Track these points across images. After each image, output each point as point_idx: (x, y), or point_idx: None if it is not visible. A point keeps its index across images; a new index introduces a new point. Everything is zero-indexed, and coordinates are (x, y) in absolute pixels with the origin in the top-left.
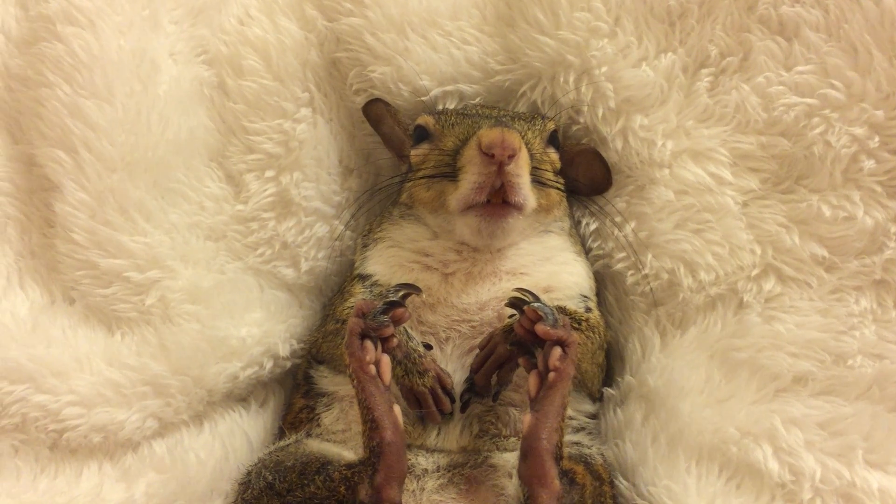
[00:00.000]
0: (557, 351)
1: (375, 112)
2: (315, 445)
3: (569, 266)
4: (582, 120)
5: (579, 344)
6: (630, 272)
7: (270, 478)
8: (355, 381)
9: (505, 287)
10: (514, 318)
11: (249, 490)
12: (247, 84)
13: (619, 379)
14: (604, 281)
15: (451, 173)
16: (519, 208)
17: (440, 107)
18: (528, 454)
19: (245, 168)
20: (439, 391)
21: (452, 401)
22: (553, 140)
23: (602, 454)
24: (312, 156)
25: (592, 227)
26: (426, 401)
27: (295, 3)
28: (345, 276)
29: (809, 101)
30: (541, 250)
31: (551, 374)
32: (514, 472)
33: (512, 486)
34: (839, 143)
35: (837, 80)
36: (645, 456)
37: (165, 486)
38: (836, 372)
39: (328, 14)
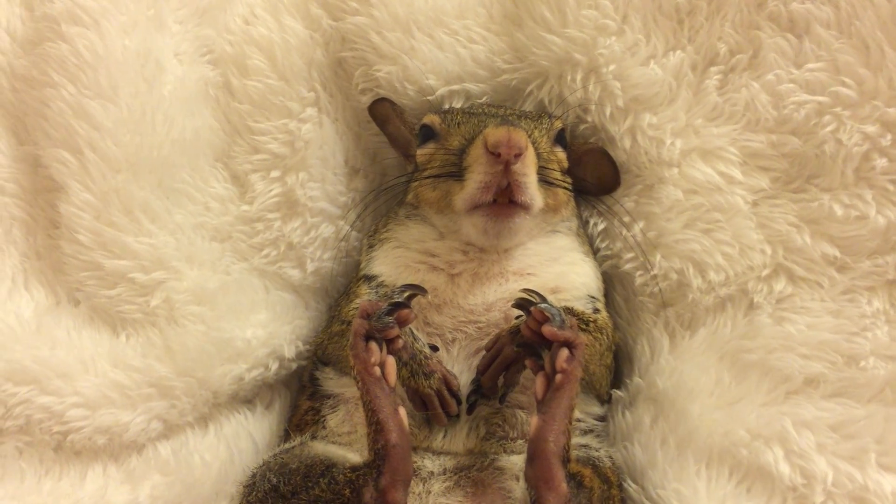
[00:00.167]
0: (565, 352)
1: (381, 111)
2: (320, 448)
3: (577, 266)
4: (590, 119)
5: (587, 345)
6: (639, 273)
7: (275, 480)
8: (360, 383)
9: (512, 288)
10: (520, 319)
11: (254, 493)
12: (252, 84)
13: (628, 381)
14: (612, 282)
15: (456, 173)
16: (526, 208)
17: (446, 106)
18: (535, 457)
19: (250, 168)
20: (445, 393)
21: (459, 403)
22: (560, 139)
23: (610, 457)
24: (318, 156)
25: (600, 227)
26: (432, 403)
27: (300, 2)
28: (351, 276)
29: (820, 98)
30: (548, 251)
31: (558, 376)
32: (522, 474)
33: (519, 488)
34: (851, 141)
35: (849, 77)
36: (654, 459)
37: (170, 488)
38: (849, 374)
39: (333, 13)
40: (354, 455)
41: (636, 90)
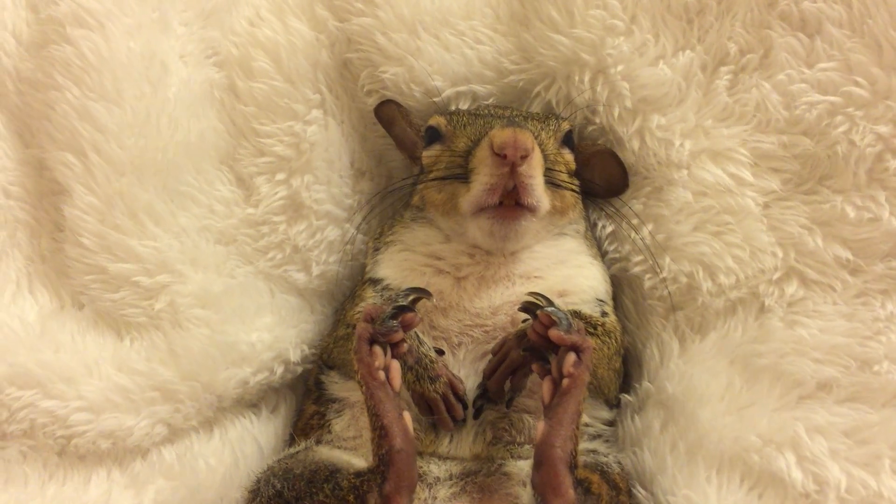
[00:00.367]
0: (572, 357)
1: (387, 113)
2: (325, 452)
3: (584, 269)
4: (598, 120)
5: (595, 349)
6: (647, 276)
7: (279, 486)
8: (364, 388)
9: (518, 291)
10: (527, 322)
11: (258, 498)
12: (257, 86)
13: (637, 385)
14: (621, 285)
15: (462, 175)
16: (532, 210)
17: (453, 107)
18: (542, 463)
19: (255, 171)
20: (451, 397)
21: (465, 407)
22: (568, 141)
23: (619, 462)
24: (324, 158)
25: (609, 229)
26: (438, 407)
27: (305, 3)
28: (357, 280)
29: (832, 98)
30: (555, 253)
31: (565, 381)
32: (529, 480)
33: (526, 494)
34: (863, 141)
35: (861, 77)
36: (663, 464)
37: (174, 493)
38: (862, 378)
39: (339, 14)
40: (359, 460)
41: (645, 91)
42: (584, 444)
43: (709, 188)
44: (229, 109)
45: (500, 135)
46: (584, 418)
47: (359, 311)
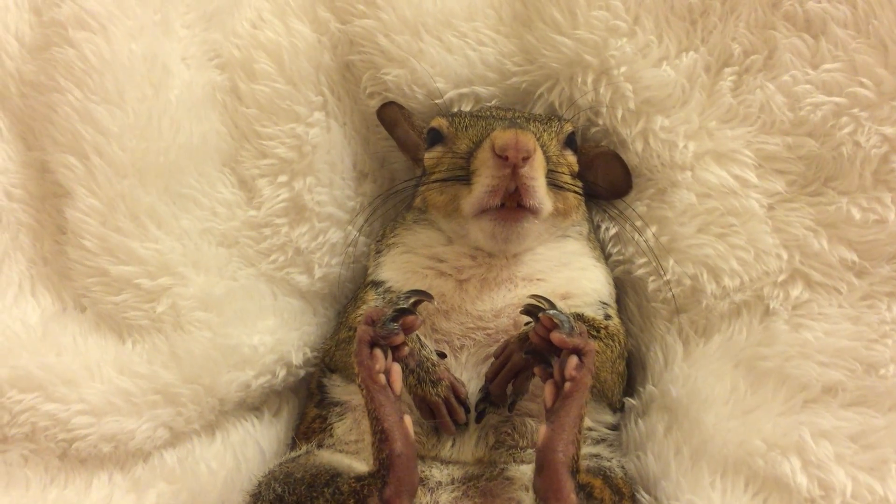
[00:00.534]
0: (574, 360)
1: (390, 115)
2: (326, 456)
3: (587, 272)
4: (601, 121)
5: (598, 352)
6: (651, 278)
7: (280, 490)
8: (364, 391)
9: (521, 294)
10: (529, 325)
11: (259, 502)
12: (259, 88)
13: (641, 388)
14: (624, 287)
15: (464, 176)
16: (534, 212)
17: (455, 109)
18: (543, 467)
19: (258, 173)
20: (453, 401)
21: (467, 411)
22: (570, 142)
23: (623, 467)
24: (326, 160)
25: (612, 231)
26: (440, 411)
27: (308, 5)
28: (359, 282)
29: (837, 99)
30: (558, 256)
31: (567, 384)
32: (531, 484)
33: (528, 499)
34: (869, 143)
35: (867, 77)
36: (667, 469)
37: (176, 496)
38: (868, 382)
39: (341, 16)
40: (360, 464)
41: (648, 92)
42: (587, 449)
43: (713, 190)
44: (231, 112)
45: (502, 136)
46: (588, 422)
47: (360, 314)
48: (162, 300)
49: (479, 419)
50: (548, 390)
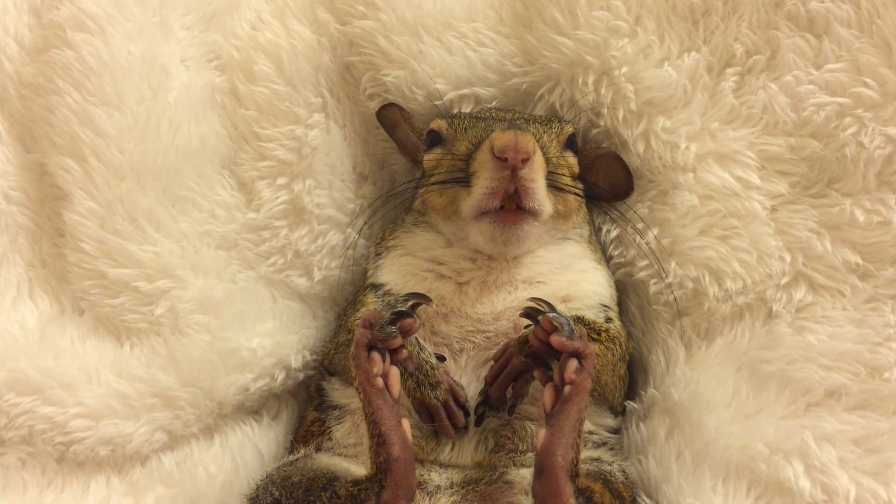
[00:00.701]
0: (573, 363)
1: (389, 117)
2: (324, 460)
3: (588, 274)
4: (602, 123)
5: (599, 355)
6: (653, 281)
7: (277, 494)
8: (362, 395)
9: (521, 296)
10: (529, 328)
11: None
12: (259, 90)
13: (643, 392)
14: (626, 290)
15: (463, 178)
16: (534, 214)
17: (455, 111)
18: (542, 471)
19: (257, 175)
20: (452, 404)
21: (466, 414)
22: (571, 144)
23: (623, 471)
24: (325, 162)
25: (613, 234)
26: (439, 414)
27: (307, 6)
28: (359, 285)
29: (841, 100)
30: (559, 258)
31: (567, 388)
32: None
33: (528, 503)
34: (873, 143)
35: (870, 77)
36: (669, 473)
37: (174, 500)
38: (872, 385)
39: (341, 17)
40: (359, 468)
41: (650, 93)
42: (588, 453)
43: (715, 192)
44: (230, 113)
45: (501, 137)
46: (589, 426)
47: (359, 317)
48: (160, 303)
49: (478, 423)
50: (547, 394)
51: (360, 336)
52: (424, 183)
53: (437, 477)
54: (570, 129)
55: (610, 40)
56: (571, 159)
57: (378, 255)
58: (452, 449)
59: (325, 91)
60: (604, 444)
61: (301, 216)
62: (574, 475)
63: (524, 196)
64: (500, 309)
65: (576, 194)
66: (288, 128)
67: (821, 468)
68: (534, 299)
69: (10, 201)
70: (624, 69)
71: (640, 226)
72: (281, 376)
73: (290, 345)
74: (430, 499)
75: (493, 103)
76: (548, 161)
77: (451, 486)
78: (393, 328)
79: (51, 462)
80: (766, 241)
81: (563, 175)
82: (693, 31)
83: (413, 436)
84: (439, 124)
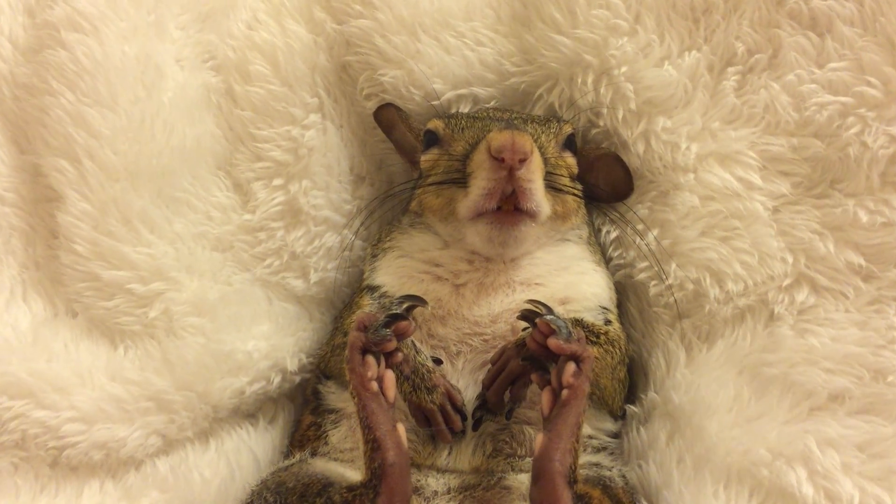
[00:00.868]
0: (571, 367)
1: (387, 117)
2: (319, 465)
3: (587, 276)
4: (601, 123)
5: (598, 358)
6: (653, 282)
7: (272, 500)
8: (356, 399)
9: (519, 298)
10: (527, 331)
11: None
12: (254, 90)
13: (643, 395)
14: (626, 292)
15: (460, 179)
16: (532, 215)
17: (453, 111)
18: (540, 477)
19: (253, 176)
20: (449, 408)
21: (464, 418)
22: (570, 144)
23: (623, 476)
24: (322, 163)
25: (613, 235)
26: (435, 419)
27: (303, 5)
28: (356, 287)
29: (844, 99)
30: (557, 260)
31: (564, 392)
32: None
33: None
34: (876, 143)
35: (874, 76)
36: (669, 478)
37: None
38: (876, 389)
39: (337, 17)
40: (354, 473)
41: (650, 92)
42: (587, 457)
43: (716, 192)
44: (226, 114)
45: (498, 138)
46: (588, 430)
47: (354, 320)
48: (154, 305)
49: (475, 427)
50: (545, 398)
51: (355, 339)
52: (421, 184)
53: (434, 482)
54: (569, 128)
55: (609, 39)
56: (570, 159)
57: (374, 256)
58: (450, 454)
59: (321, 91)
60: (603, 448)
61: (297, 217)
62: (572, 481)
63: (522, 197)
64: (497, 311)
65: (574, 195)
66: (284, 128)
67: (824, 473)
68: (531, 301)
69: (4, 203)
70: (623, 68)
71: (640, 227)
72: (277, 379)
73: (286, 347)
74: None
75: (492, 103)
76: (546, 161)
77: (449, 492)
78: (387, 331)
79: (44, 467)
80: (767, 243)
81: (562, 175)
82: (694, 30)
83: (410, 440)
84: (436, 124)
